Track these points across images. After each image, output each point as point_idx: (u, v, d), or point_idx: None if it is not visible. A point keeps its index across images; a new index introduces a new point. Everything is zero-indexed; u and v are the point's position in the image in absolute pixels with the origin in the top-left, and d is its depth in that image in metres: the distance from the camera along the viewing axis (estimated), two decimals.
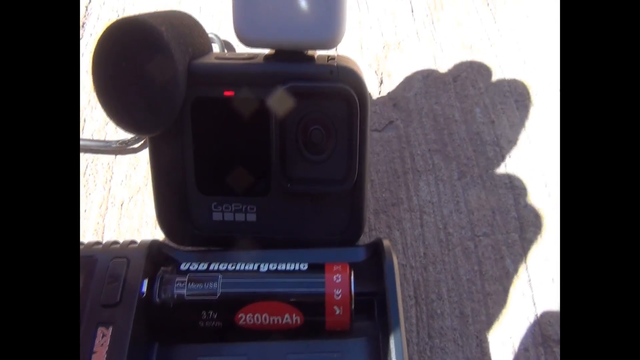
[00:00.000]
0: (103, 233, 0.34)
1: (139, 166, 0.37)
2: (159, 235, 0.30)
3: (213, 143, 0.28)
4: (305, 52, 0.28)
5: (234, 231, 0.30)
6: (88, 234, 0.34)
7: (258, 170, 0.29)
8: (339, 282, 0.25)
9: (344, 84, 0.26)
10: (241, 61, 0.27)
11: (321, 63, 0.27)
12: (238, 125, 0.28)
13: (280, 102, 0.27)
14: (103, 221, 0.35)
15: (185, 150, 0.28)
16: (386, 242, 0.27)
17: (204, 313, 0.25)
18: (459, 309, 0.31)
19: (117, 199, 0.36)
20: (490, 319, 0.31)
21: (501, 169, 0.37)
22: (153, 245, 0.26)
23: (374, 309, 0.28)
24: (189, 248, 0.29)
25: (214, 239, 0.30)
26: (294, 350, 0.25)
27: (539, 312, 0.31)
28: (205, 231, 0.30)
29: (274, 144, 0.28)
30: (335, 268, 0.26)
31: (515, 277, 0.32)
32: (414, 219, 0.35)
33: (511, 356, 0.30)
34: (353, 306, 0.25)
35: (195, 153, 0.28)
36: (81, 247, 0.26)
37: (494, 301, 0.31)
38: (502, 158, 0.37)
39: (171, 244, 0.29)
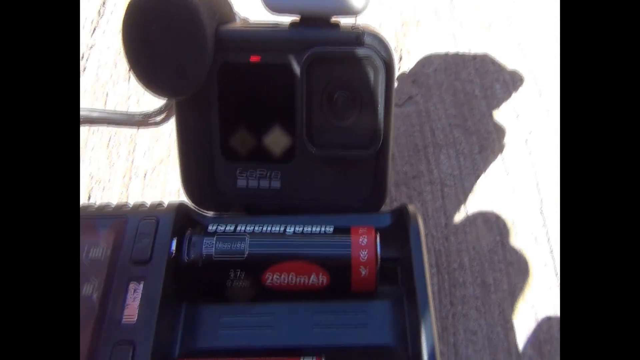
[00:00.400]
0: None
1: (161, 138, 0.37)
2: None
3: (239, 109, 0.29)
4: (330, 19, 0.28)
5: (258, 198, 0.30)
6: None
7: (283, 136, 0.29)
8: (365, 244, 0.26)
9: (370, 49, 0.27)
10: (267, 28, 0.28)
11: (347, 29, 0.27)
12: (264, 90, 0.28)
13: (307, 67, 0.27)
14: (127, 191, 0.35)
15: (211, 116, 0.29)
16: (411, 207, 0.27)
17: (232, 273, 0.25)
18: (480, 278, 0.31)
19: (141, 169, 0.36)
20: (512, 289, 0.31)
21: (521, 144, 0.37)
22: (181, 207, 0.27)
23: (397, 275, 0.28)
24: (215, 213, 0.29)
25: (238, 205, 0.30)
26: (320, 310, 0.26)
27: (561, 282, 0.31)
28: (229, 197, 0.30)
29: (299, 110, 0.28)
30: (361, 231, 0.26)
31: (537, 247, 0.32)
32: (434, 191, 0.35)
33: (533, 324, 0.30)
34: (379, 267, 0.25)
35: (221, 119, 0.29)
36: (110, 208, 0.26)
37: (516, 271, 0.31)
38: (523, 133, 0.37)
39: (197, 209, 0.29)
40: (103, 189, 0.35)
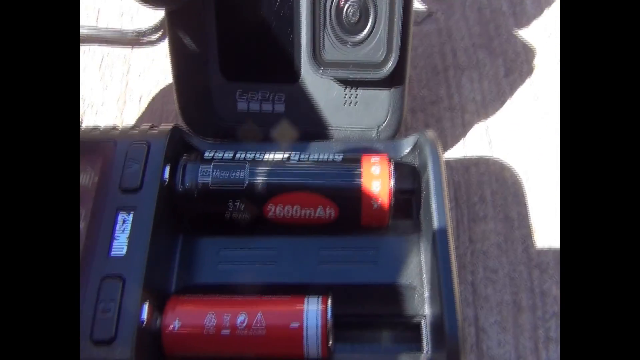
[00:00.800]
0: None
1: (157, 59, 0.34)
2: None
3: (238, 22, 0.25)
4: None
5: (260, 123, 0.27)
6: None
7: (287, 53, 0.26)
8: (377, 174, 0.23)
9: None
10: None
11: None
12: (266, 2, 0.25)
13: None
14: (121, 116, 0.33)
15: (208, 31, 0.26)
16: (430, 133, 0.24)
17: (231, 203, 0.23)
18: (503, 213, 0.29)
19: (136, 93, 0.33)
20: (537, 224, 0.28)
21: (553, 66, 0.33)
22: (175, 130, 0.24)
23: (411, 208, 0.26)
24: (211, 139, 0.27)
25: (238, 130, 0.27)
26: (327, 245, 0.24)
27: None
28: (229, 122, 0.27)
29: (304, 23, 0.25)
30: (373, 159, 0.24)
31: None
32: (454, 117, 0.32)
33: (558, 259, 0.28)
34: (392, 200, 0.23)
35: (219, 33, 0.26)
36: (98, 131, 0.24)
37: (542, 205, 0.29)
38: (555, 54, 0.34)
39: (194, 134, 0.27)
40: (96, 113, 0.33)
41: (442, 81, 0.33)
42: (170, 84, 0.33)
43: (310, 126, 0.27)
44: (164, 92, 0.33)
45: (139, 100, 0.33)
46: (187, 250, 0.24)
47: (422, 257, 0.23)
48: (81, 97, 0.33)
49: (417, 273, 0.23)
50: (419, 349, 0.23)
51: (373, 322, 0.23)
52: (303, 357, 0.21)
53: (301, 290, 0.23)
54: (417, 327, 0.23)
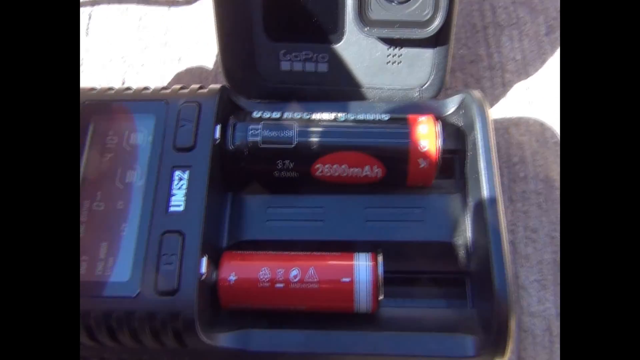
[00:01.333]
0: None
1: (196, 18, 0.34)
2: None
3: None
4: None
5: (303, 82, 0.27)
6: None
7: (331, 13, 0.26)
8: (425, 133, 0.23)
9: None
10: None
11: None
12: None
13: None
14: (161, 76, 0.33)
15: None
16: (477, 92, 0.24)
17: (279, 162, 0.24)
18: (544, 173, 0.29)
19: (174, 53, 0.33)
20: None
21: None
22: (224, 90, 0.24)
23: (453, 167, 0.26)
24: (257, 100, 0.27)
25: (282, 90, 0.28)
26: (373, 204, 0.24)
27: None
28: (272, 82, 0.28)
29: None
30: (420, 119, 0.24)
31: None
32: (494, 77, 0.32)
33: None
34: (439, 159, 0.23)
35: None
36: (149, 92, 0.24)
37: None
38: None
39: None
40: (137, 74, 0.33)
41: (482, 40, 0.33)
42: (209, 44, 0.33)
43: (353, 86, 0.27)
44: (202, 52, 0.33)
45: (178, 61, 0.33)
46: (237, 207, 0.24)
47: (468, 215, 0.24)
48: (122, 58, 0.33)
49: (462, 231, 0.24)
50: (463, 305, 0.24)
51: (418, 279, 0.24)
52: (353, 310, 0.22)
53: (349, 247, 0.23)
54: (462, 283, 0.24)
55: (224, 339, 0.21)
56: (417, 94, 0.27)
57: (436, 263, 0.24)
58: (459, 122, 0.25)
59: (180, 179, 0.22)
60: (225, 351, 0.21)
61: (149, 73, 0.33)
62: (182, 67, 0.33)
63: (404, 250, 0.24)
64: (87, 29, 0.34)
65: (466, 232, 0.24)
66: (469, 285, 0.24)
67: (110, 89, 0.24)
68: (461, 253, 0.23)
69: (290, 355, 0.22)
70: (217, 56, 0.31)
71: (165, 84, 0.33)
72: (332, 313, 0.23)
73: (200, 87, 0.24)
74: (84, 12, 0.35)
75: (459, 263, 0.24)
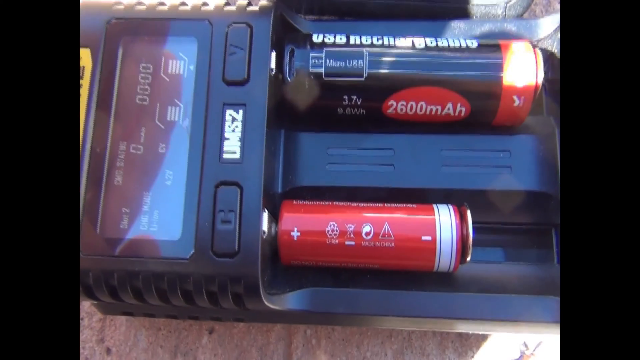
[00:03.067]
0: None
1: None
2: None
3: None
4: None
5: None
6: None
7: None
8: (523, 65, 0.19)
9: None
10: None
11: None
12: None
13: None
14: None
15: None
16: None
17: (346, 98, 0.20)
18: None
19: None
20: None
21: None
22: (277, 8, 0.20)
23: (542, 102, 0.22)
24: (312, 17, 0.23)
25: (337, 4, 0.23)
26: (451, 145, 0.21)
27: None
28: None
29: None
30: (515, 46, 0.20)
31: None
32: None
33: None
34: (537, 95, 0.20)
35: None
36: (187, 8, 0.20)
37: None
38: None
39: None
40: None
41: None
42: None
43: (424, 0, 0.23)
44: None
45: None
46: (291, 147, 0.21)
47: (559, 160, 0.20)
48: None
49: (553, 178, 0.20)
50: (549, 260, 0.21)
51: (501, 230, 0.21)
52: (432, 270, 0.19)
53: (421, 196, 0.21)
54: (548, 236, 0.21)
55: (287, 300, 0.19)
56: (501, 12, 0.23)
57: (521, 214, 0.21)
58: (554, 47, 0.21)
59: (234, 120, 0.19)
60: (289, 313, 0.19)
61: None
62: None
63: (484, 200, 0.21)
64: None
65: (558, 179, 0.20)
66: (555, 239, 0.21)
67: (140, 3, 0.20)
68: (551, 203, 0.21)
69: (361, 316, 0.20)
70: None
71: None
72: (402, 271, 0.20)
73: (248, 4, 0.20)
74: None
75: (547, 215, 0.21)
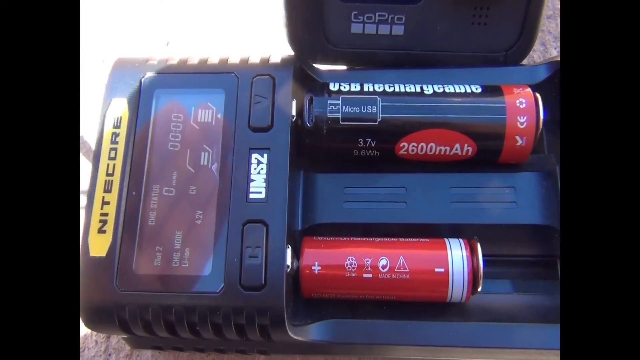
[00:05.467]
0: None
1: None
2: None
3: None
4: None
5: (375, 46, 0.25)
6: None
7: None
8: (524, 108, 0.21)
9: None
10: None
11: None
12: None
13: None
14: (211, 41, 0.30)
15: None
16: None
17: (361, 141, 0.22)
18: None
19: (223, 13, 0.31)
20: None
21: None
22: (297, 60, 0.22)
23: (543, 141, 0.24)
24: (329, 67, 0.25)
25: (350, 55, 0.25)
26: (459, 183, 0.22)
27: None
28: (341, 46, 0.25)
29: None
30: (516, 91, 0.22)
31: None
32: None
33: None
34: (538, 135, 0.21)
35: None
36: (215, 62, 0.22)
37: None
38: None
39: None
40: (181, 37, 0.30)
41: None
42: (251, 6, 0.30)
43: (430, 50, 0.25)
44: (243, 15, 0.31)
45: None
46: (311, 187, 0.23)
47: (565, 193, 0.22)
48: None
49: (555, 211, 0.22)
50: (555, 291, 0.22)
51: (507, 262, 0.23)
52: (445, 300, 0.21)
53: (433, 231, 0.22)
54: (554, 268, 0.22)
55: (309, 331, 0.20)
56: (501, 59, 0.25)
57: (527, 247, 0.22)
58: (550, 90, 0.23)
59: (259, 163, 0.20)
60: (311, 343, 0.20)
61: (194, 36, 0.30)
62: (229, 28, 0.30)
63: (492, 234, 0.22)
64: None
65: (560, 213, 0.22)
66: (560, 270, 0.22)
67: (171, 58, 0.22)
68: (555, 236, 0.22)
69: (379, 346, 0.21)
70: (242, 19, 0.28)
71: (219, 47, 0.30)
72: (418, 302, 0.21)
73: (271, 58, 0.22)
74: None
75: (551, 247, 0.22)
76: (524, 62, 0.25)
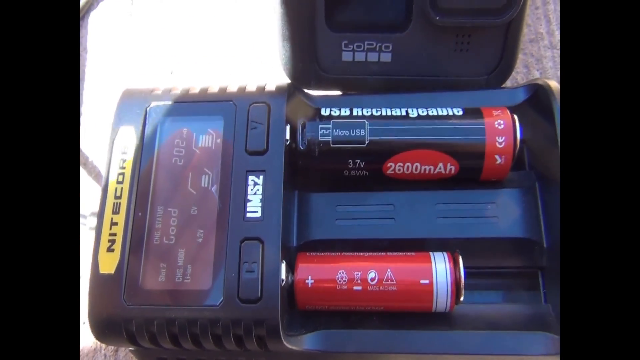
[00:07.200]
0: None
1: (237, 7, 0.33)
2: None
3: None
4: None
5: (365, 73, 0.27)
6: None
7: (397, 1, 0.25)
8: (502, 128, 0.23)
9: None
10: None
11: None
12: None
13: None
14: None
15: None
16: (553, 83, 0.23)
17: (351, 162, 0.23)
18: None
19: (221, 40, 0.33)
20: None
21: None
22: (290, 88, 0.24)
23: (523, 158, 0.25)
24: (321, 93, 0.27)
25: (342, 81, 0.27)
26: (444, 200, 0.24)
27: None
28: (333, 73, 0.27)
29: None
30: (495, 112, 0.23)
31: None
32: (556, 56, 0.31)
33: None
34: (516, 154, 0.23)
35: None
36: (215, 91, 0.24)
37: None
38: None
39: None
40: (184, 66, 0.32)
41: (542, 16, 0.32)
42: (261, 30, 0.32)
43: (417, 75, 0.26)
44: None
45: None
46: (304, 206, 0.24)
47: (541, 209, 0.23)
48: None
49: (536, 225, 0.23)
50: (537, 300, 0.23)
51: (491, 274, 0.24)
52: (431, 310, 0.22)
53: (420, 245, 0.23)
54: (535, 278, 0.24)
55: (304, 341, 0.22)
56: (483, 82, 0.26)
57: (509, 259, 0.24)
58: (529, 110, 0.25)
59: (255, 184, 0.22)
60: (306, 353, 0.22)
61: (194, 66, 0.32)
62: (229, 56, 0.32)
63: (475, 247, 0.23)
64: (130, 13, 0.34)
65: (540, 226, 0.23)
66: (541, 281, 0.24)
67: (175, 88, 0.24)
68: (536, 248, 0.23)
69: (369, 354, 0.22)
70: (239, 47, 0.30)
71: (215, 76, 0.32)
72: (406, 312, 0.23)
73: (266, 86, 0.24)
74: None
75: (533, 258, 0.23)
76: (508, 83, 0.26)
